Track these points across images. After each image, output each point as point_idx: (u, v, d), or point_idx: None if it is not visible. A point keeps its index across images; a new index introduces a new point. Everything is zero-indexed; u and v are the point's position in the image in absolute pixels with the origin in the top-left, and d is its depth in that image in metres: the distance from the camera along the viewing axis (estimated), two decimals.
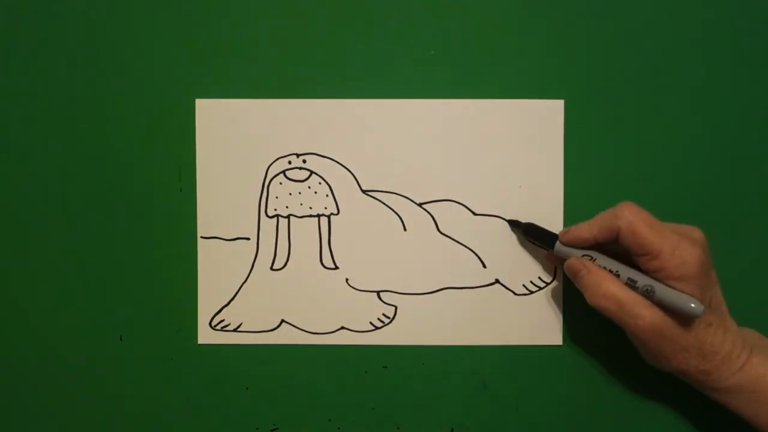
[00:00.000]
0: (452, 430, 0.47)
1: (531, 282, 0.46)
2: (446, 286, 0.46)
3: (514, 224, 0.46)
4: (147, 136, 0.46)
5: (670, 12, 0.46)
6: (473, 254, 0.46)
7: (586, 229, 0.41)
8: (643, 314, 0.38)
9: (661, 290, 0.38)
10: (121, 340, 0.47)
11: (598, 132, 0.46)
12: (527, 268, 0.46)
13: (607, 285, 0.39)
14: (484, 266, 0.46)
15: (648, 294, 0.38)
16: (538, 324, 0.46)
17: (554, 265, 0.46)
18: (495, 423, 0.46)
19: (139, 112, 0.46)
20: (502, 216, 0.46)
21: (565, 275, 0.45)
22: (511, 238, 0.46)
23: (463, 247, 0.46)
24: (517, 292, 0.46)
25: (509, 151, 0.46)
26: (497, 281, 0.46)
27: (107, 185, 0.46)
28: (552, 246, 0.43)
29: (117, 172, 0.46)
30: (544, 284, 0.46)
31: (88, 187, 0.46)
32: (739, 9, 0.46)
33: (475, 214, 0.46)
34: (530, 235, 0.45)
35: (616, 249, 0.41)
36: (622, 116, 0.46)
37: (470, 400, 0.46)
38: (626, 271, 0.40)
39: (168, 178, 0.46)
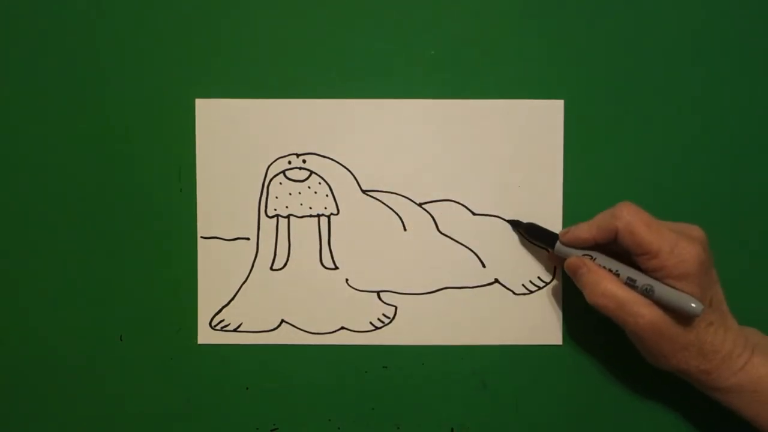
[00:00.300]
0: (452, 430, 0.47)
1: (530, 282, 0.46)
2: (446, 285, 0.46)
3: (514, 224, 0.46)
4: (147, 136, 0.46)
5: (670, 12, 0.46)
6: (473, 254, 0.46)
7: (586, 230, 0.41)
8: (642, 313, 0.38)
9: (661, 289, 0.38)
10: (121, 340, 0.47)
11: (598, 132, 0.46)
12: (527, 267, 0.46)
13: (606, 283, 0.39)
14: (484, 266, 0.46)
15: (647, 293, 0.38)
16: (538, 324, 0.46)
17: (555, 264, 0.46)
18: (495, 423, 0.46)
19: (139, 112, 0.46)
20: (502, 216, 0.46)
21: (564, 275, 0.45)
22: (511, 238, 0.46)
23: (462, 246, 0.46)
24: (516, 291, 0.46)
25: (509, 151, 0.46)
26: (497, 281, 0.46)
27: (107, 185, 0.46)
28: (553, 246, 0.43)
29: (117, 172, 0.46)
30: (544, 284, 0.46)
31: (88, 187, 0.46)
32: (739, 9, 0.46)
33: (474, 214, 0.46)
34: (531, 235, 0.45)
35: (616, 249, 0.41)
36: (622, 116, 0.46)
37: (470, 400, 0.46)
38: (626, 271, 0.40)
39: (168, 178, 0.46)
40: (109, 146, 0.46)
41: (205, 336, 0.47)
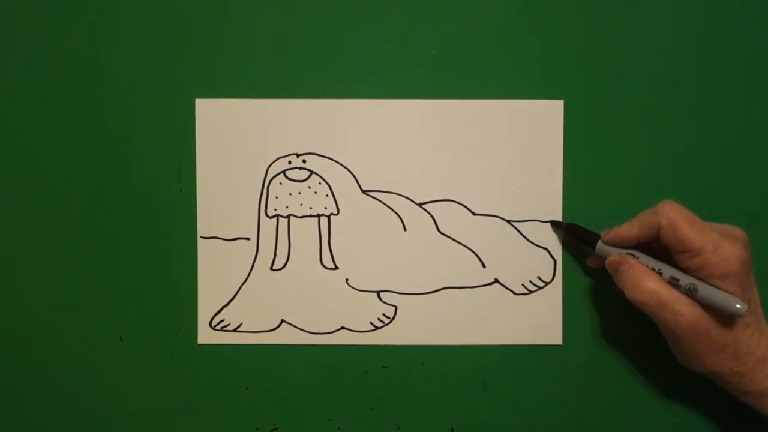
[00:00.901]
0: (452, 430, 0.47)
1: (530, 282, 0.46)
2: (446, 285, 0.46)
3: (555, 224, 0.46)
4: (147, 136, 0.46)
5: (670, 12, 0.46)
6: (473, 254, 0.46)
7: (628, 228, 0.41)
8: (682, 311, 0.38)
9: (704, 289, 0.38)
10: (121, 340, 0.47)
11: (598, 132, 0.46)
12: (526, 267, 0.46)
13: (647, 281, 0.39)
14: (484, 266, 0.46)
15: (691, 293, 0.38)
16: (538, 324, 0.46)
17: (596, 265, 0.45)
18: (495, 423, 0.46)
19: (139, 112, 0.46)
20: (502, 216, 0.46)
21: (565, 275, 0.46)
22: (511, 237, 0.46)
23: (462, 246, 0.46)
24: (516, 291, 0.46)
25: (509, 151, 0.46)
26: (497, 281, 0.46)
27: (107, 185, 0.46)
28: (594, 246, 0.43)
29: (117, 172, 0.46)
30: (544, 284, 0.46)
31: (88, 187, 0.46)
32: (739, 9, 0.46)
33: (474, 214, 0.46)
34: (572, 235, 0.45)
35: (657, 249, 0.41)
36: (622, 116, 0.46)
37: (470, 400, 0.46)
38: (669, 270, 0.39)
39: (168, 178, 0.46)
40: (110, 146, 0.46)
41: (205, 336, 0.47)
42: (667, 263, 0.40)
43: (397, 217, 0.46)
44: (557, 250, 0.46)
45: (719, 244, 0.38)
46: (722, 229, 0.39)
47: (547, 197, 0.46)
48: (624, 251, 0.41)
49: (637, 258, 0.41)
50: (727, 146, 0.46)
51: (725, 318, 0.38)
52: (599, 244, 0.43)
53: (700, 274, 0.38)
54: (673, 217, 0.39)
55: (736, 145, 0.46)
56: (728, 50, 0.46)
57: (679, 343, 0.39)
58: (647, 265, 0.40)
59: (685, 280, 0.39)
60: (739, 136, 0.46)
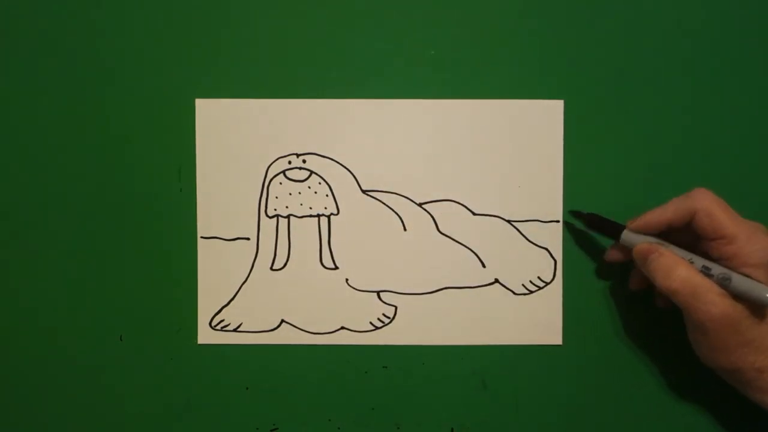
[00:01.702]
0: (452, 430, 0.47)
1: (530, 282, 0.46)
2: (446, 286, 0.46)
3: (575, 215, 0.45)
4: (147, 136, 0.46)
5: (670, 12, 0.46)
6: (473, 254, 0.46)
7: (659, 213, 0.40)
8: (715, 301, 0.37)
9: (738, 279, 0.37)
10: (121, 340, 0.47)
11: (598, 132, 0.46)
12: (527, 267, 0.46)
13: (680, 269, 0.38)
14: (484, 266, 0.46)
15: (723, 282, 0.37)
16: (538, 324, 0.46)
17: (620, 258, 0.43)
18: (495, 423, 0.46)
19: (139, 112, 0.46)
20: (502, 216, 0.46)
21: (565, 274, 0.46)
22: (511, 237, 0.46)
23: (462, 246, 0.46)
24: (516, 291, 0.46)
25: (509, 151, 0.46)
26: (497, 281, 0.46)
27: (107, 185, 0.46)
28: (617, 237, 0.42)
29: (117, 172, 0.46)
30: (544, 284, 0.46)
31: (88, 187, 0.46)
32: (738, 9, 0.46)
33: (474, 214, 0.46)
34: (593, 226, 0.44)
35: (682, 239, 0.40)
36: (622, 116, 0.46)
37: (470, 400, 0.46)
38: (700, 260, 0.39)
39: (168, 178, 0.46)
40: (110, 146, 0.46)
41: (205, 336, 0.47)
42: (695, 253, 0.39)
43: (397, 217, 0.46)
44: (557, 250, 0.46)
45: (753, 234, 0.38)
46: (750, 222, 0.39)
47: (547, 197, 0.46)
48: (653, 240, 0.41)
49: (666, 247, 0.40)
50: (727, 146, 0.46)
51: (756, 310, 0.37)
52: (624, 232, 0.42)
53: (731, 263, 0.38)
54: (709, 203, 0.39)
55: (736, 145, 0.46)
56: (728, 50, 0.46)
57: (707, 335, 0.38)
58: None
59: (717, 269, 0.38)
60: (739, 136, 0.46)
